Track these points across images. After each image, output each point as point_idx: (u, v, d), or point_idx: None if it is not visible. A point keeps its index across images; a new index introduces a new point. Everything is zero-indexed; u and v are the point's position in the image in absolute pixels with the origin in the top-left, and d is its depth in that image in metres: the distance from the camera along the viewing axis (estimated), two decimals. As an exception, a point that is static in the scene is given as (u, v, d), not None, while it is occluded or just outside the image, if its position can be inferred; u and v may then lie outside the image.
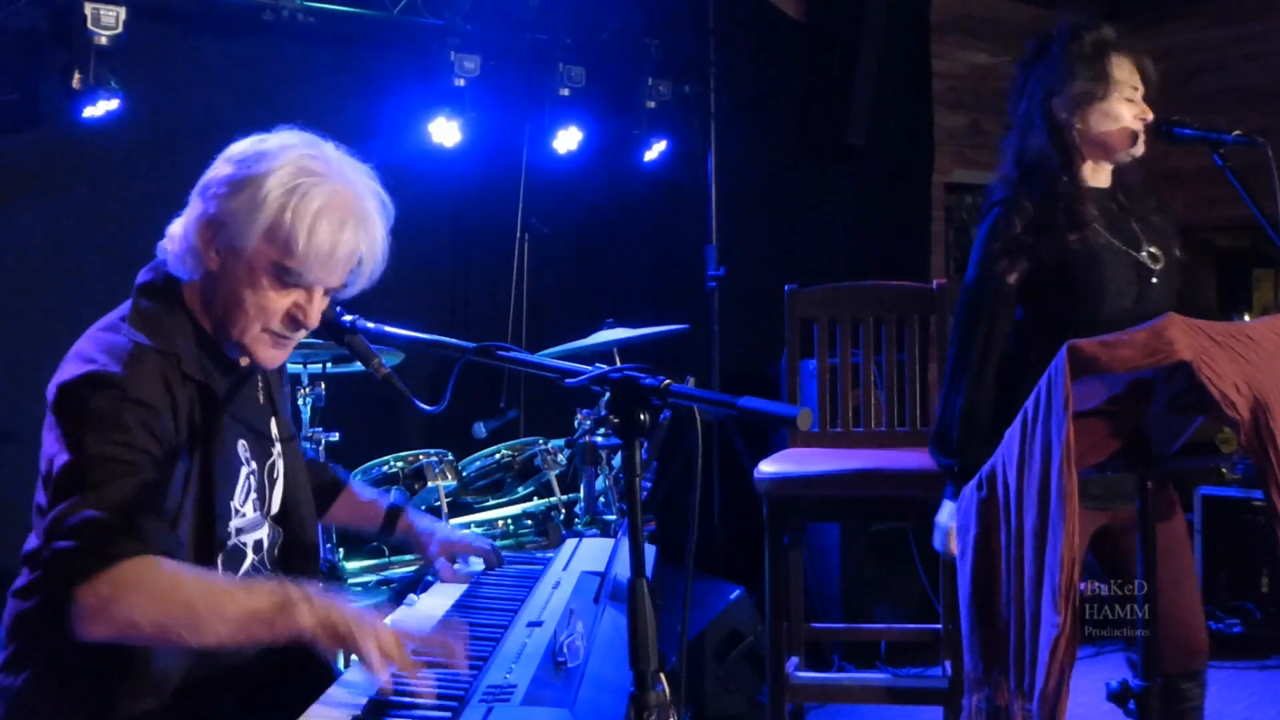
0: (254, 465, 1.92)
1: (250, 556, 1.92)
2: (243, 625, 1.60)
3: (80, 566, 1.57)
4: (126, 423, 1.65)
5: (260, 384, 1.98)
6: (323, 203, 1.76)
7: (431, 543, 2.29)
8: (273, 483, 1.99)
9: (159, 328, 1.78)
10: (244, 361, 1.90)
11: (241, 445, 1.90)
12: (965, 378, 2.58)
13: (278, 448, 2.01)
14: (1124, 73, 2.57)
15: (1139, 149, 2.57)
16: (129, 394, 1.67)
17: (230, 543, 1.86)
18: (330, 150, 1.85)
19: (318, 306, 1.83)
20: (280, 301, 1.79)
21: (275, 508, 2.00)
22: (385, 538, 2.37)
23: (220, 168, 1.80)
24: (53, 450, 1.67)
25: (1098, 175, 2.61)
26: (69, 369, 1.72)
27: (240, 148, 1.81)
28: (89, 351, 1.73)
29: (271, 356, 1.86)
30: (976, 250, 2.63)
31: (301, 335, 1.87)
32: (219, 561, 1.83)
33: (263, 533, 1.95)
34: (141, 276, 1.86)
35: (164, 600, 1.59)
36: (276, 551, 2.00)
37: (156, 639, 1.63)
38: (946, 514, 2.59)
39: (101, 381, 1.67)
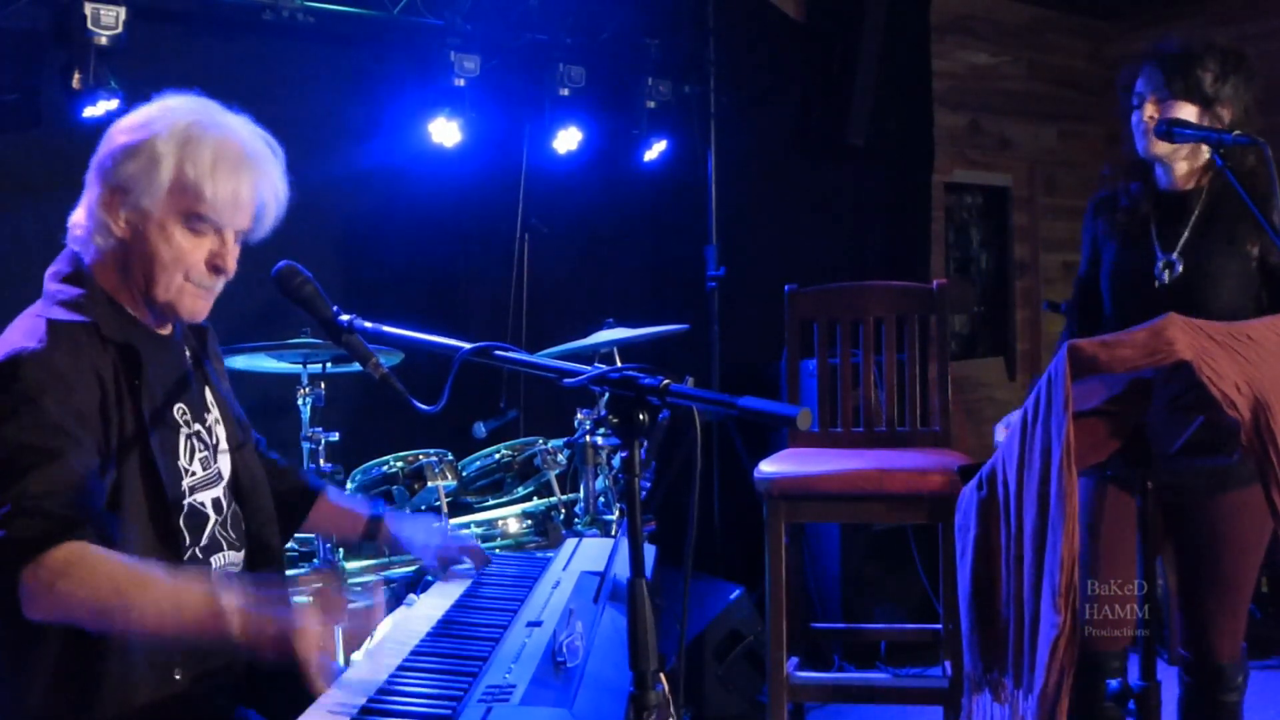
0: (195, 427, 1.95)
1: (213, 518, 1.93)
2: (169, 611, 1.64)
3: (12, 556, 1.61)
4: (46, 405, 1.68)
5: (188, 353, 2.01)
6: (215, 150, 1.84)
7: (416, 550, 2.29)
8: (215, 445, 2.00)
9: (74, 303, 1.83)
10: (164, 331, 1.95)
11: (178, 408, 1.93)
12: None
13: (214, 413, 2.03)
14: (1136, 83, 2.70)
15: (1156, 147, 2.64)
16: (49, 372, 1.71)
17: (186, 502, 1.87)
18: (211, 105, 1.94)
19: (232, 251, 1.90)
20: (196, 251, 1.86)
21: (225, 473, 2.01)
22: (368, 547, 2.36)
23: (110, 140, 1.88)
24: None
25: (1170, 179, 2.70)
26: None
27: (125, 120, 1.90)
28: (9, 338, 1.78)
29: (197, 308, 1.92)
30: None
31: (221, 284, 1.92)
32: (180, 523, 1.85)
33: (219, 491, 1.96)
34: (50, 269, 1.92)
35: (93, 588, 1.63)
36: (241, 524, 2.01)
37: (93, 623, 1.66)
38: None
39: (20, 362, 1.71)
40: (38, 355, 1.71)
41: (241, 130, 1.92)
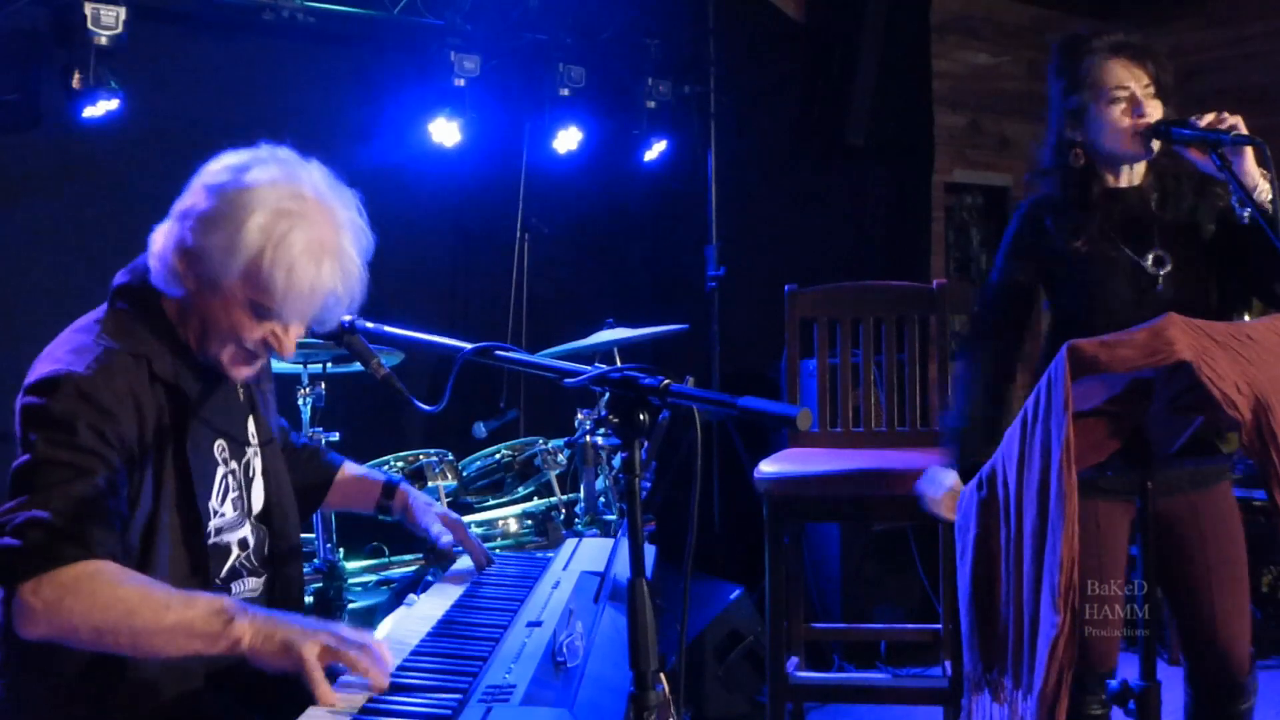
0: (231, 465, 1.93)
1: (235, 552, 1.93)
2: (180, 638, 1.63)
3: (23, 567, 1.59)
4: (79, 427, 1.67)
5: (239, 385, 1.98)
6: (302, 246, 1.75)
7: (429, 518, 2.27)
8: (250, 481, 1.99)
9: (131, 331, 1.79)
10: None
11: (218, 446, 1.91)
12: (971, 376, 2.64)
13: (253, 447, 2.01)
14: (1114, 76, 2.54)
15: (1147, 148, 2.51)
16: (89, 397, 1.69)
17: (212, 541, 1.87)
18: (311, 178, 1.82)
19: (293, 337, 1.85)
20: (256, 332, 1.82)
21: (257, 507, 2.00)
22: (383, 517, 2.36)
23: (199, 196, 1.79)
24: (17, 451, 1.70)
25: (1124, 176, 2.59)
26: (38, 370, 1.74)
27: (220, 175, 1.79)
28: (58, 352, 1.76)
29: (243, 372, 1.88)
30: (998, 251, 2.73)
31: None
32: (206, 558, 1.84)
33: (245, 531, 1.96)
34: (118, 278, 1.87)
35: (104, 608, 1.61)
36: (265, 550, 2.00)
37: (94, 645, 1.64)
38: (937, 478, 2.60)
39: (63, 383, 1.69)
40: (82, 380, 1.69)
41: (334, 218, 1.81)
